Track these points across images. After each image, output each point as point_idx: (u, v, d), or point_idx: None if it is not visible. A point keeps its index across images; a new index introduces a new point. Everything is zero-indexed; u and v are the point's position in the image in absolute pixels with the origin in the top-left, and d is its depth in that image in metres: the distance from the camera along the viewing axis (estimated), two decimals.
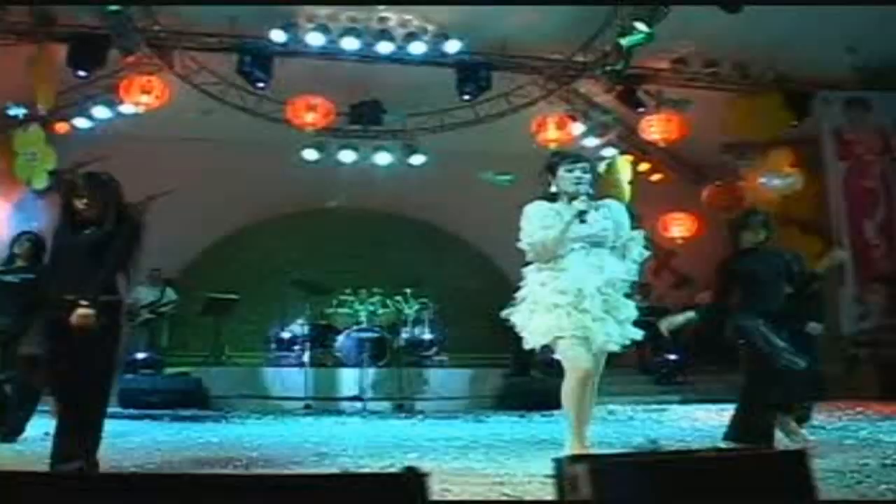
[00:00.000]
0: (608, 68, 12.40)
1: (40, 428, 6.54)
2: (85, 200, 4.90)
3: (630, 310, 4.92)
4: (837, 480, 4.62)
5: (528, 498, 4.12)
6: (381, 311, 12.48)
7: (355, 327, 12.02)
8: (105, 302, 4.83)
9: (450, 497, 4.05)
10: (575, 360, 4.73)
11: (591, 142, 14.17)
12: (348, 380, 11.46)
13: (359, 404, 10.89)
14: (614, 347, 4.86)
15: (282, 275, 12.92)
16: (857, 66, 13.07)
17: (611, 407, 10.60)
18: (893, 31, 12.28)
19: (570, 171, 4.93)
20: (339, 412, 10.60)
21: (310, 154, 13.67)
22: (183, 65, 12.34)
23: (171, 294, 13.12)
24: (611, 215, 5.01)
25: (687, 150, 15.13)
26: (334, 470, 5.32)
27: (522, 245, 4.93)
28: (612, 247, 4.96)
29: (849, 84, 13.50)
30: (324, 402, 11.05)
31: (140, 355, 11.82)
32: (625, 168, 14.38)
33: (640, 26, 11.29)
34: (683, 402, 11.95)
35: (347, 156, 13.95)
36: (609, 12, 11.76)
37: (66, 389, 4.88)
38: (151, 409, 10.06)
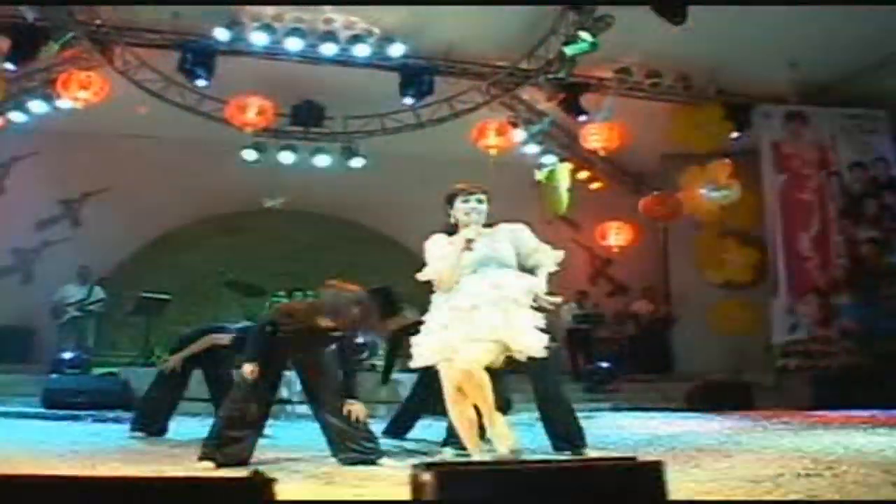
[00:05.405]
0: (551, 76, 12.43)
1: None
2: None
3: (529, 322, 4.96)
4: (748, 491, 4.64)
5: None
6: None
7: None
8: None
9: None
10: (445, 380, 4.99)
11: (532, 149, 14.24)
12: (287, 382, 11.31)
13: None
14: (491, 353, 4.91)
15: (217, 276, 12.73)
16: (797, 80, 13.29)
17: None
18: (834, 48, 12.50)
19: (466, 201, 5.16)
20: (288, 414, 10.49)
21: (249, 154, 13.55)
22: (124, 60, 12.08)
23: (98, 292, 12.88)
24: (504, 237, 5.18)
25: (627, 160, 15.26)
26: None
27: (421, 277, 5.10)
28: (509, 265, 5.12)
29: (788, 98, 13.71)
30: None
31: (67, 355, 11.54)
32: (564, 176, 14.43)
33: (585, 35, 11.34)
34: (614, 409, 11.92)
35: (287, 157, 13.84)
36: (555, 20, 11.79)
37: None
38: (76, 410, 9.82)
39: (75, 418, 9.40)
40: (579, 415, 10.82)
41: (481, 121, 13.40)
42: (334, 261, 14.17)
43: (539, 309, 5.03)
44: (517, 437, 5.07)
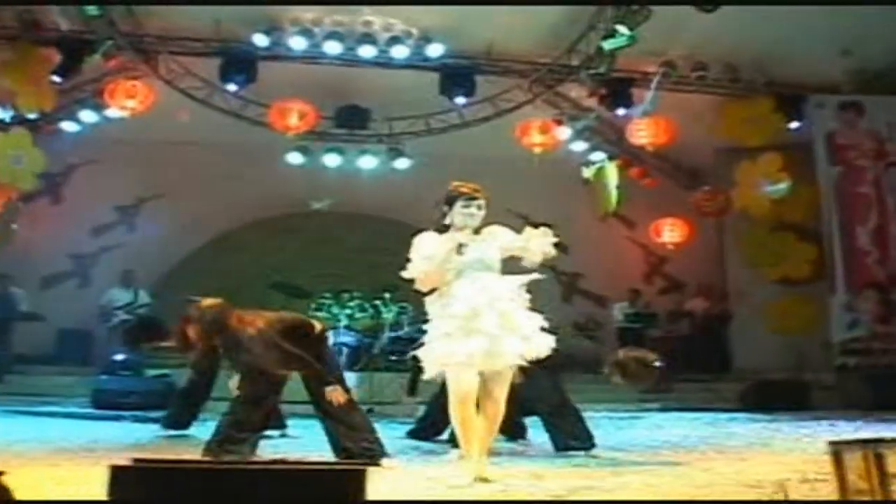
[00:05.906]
0: (591, 71, 12.25)
1: None
2: None
3: (533, 324, 5.01)
4: (741, 494, 4.59)
5: None
6: (359, 315, 12.40)
7: (332, 332, 11.95)
8: None
9: None
10: (457, 384, 4.96)
11: (579, 146, 14.06)
12: None
13: None
14: (515, 362, 4.97)
15: (263, 279, 12.88)
16: (851, 69, 12.85)
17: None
18: (888, 35, 12.04)
19: (467, 206, 5.10)
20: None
21: (294, 158, 13.71)
22: (168, 69, 12.34)
23: (144, 296, 13.16)
24: (491, 242, 5.13)
25: (680, 155, 14.95)
26: None
27: (406, 274, 5.06)
28: (494, 269, 5.11)
29: (842, 87, 13.26)
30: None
31: (119, 357, 11.80)
32: (613, 173, 14.17)
33: (622, 29, 11.16)
34: (663, 409, 11.70)
35: (332, 159, 13.93)
36: (593, 15, 11.63)
37: None
38: (123, 411, 10.09)
39: (118, 418, 9.68)
40: (625, 415, 10.76)
41: (525, 119, 13.30)
42: (381, 261, 14.16)
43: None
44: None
